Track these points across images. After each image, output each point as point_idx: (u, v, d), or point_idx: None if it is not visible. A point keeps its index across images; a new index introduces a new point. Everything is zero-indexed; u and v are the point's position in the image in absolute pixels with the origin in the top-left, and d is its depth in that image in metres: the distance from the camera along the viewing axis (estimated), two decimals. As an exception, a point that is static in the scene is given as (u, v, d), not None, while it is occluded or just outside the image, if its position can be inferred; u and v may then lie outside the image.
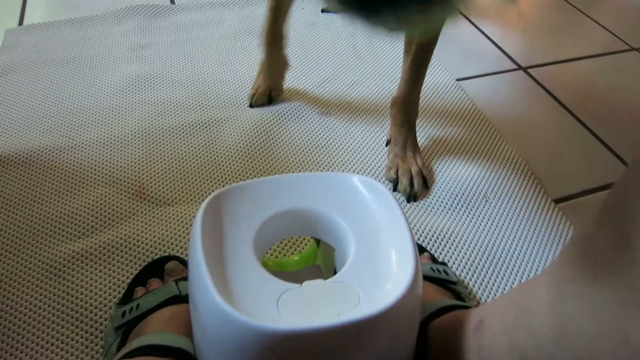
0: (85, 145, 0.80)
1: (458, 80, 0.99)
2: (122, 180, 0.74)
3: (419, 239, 0.68)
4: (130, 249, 0.64)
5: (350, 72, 0.99)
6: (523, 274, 0.65)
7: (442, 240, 0.68)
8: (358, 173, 0.74)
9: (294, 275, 0.53)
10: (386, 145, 0.81)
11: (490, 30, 1.17)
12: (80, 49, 1.01)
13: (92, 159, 0.77)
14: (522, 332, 0.34)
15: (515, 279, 0.64)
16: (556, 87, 1.00)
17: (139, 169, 0.76)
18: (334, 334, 0.33)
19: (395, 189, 0.74)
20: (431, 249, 0.66)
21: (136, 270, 0.61)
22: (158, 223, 0.68)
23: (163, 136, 0.82)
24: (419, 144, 0.79)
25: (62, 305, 0.58)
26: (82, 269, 0.62)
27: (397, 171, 0.75)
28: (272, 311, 0.34)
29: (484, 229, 0.70)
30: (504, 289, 0.63)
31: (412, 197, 0.73)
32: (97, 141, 0.80)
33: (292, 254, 0.66)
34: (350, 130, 0.85)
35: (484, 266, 0.65)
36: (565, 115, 0.94)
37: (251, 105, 0.88)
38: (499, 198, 0.74)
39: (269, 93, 0.88)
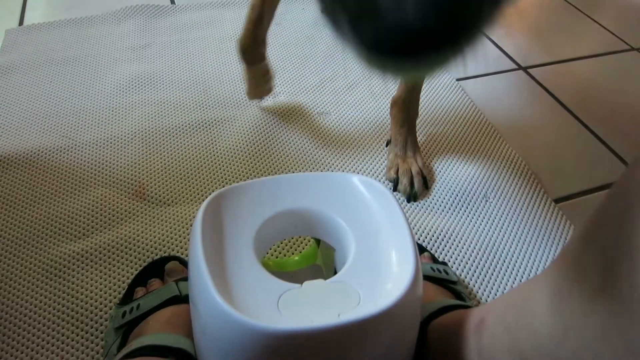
0: (85, 145, 0.80)
1: (458, 80, 0.99)
2: (122, 181, 0.74)
3: (419, 239, 0.68)
4: (130, 250, 0.64)
5: (350, 72, 0.99)
6: (523, 273, 0.65)
7: (442, 240, 0.68)
8: (358, 173, 0.74)
9: (294, 275, 0.53)
10: (386, 146, 0.81)
11: (490, 30, 1.17)
12: (80, 49, 1.01)
13: (92, 159, 0.77)
14: (523, 332, 0.34)
15: (515, 279, 0.64)
16: (556, 87, 1.00)
17: (139, 169, 0.76)
18: (334, 334, 0.33)
19: (395, 189, 0.74)
20: (431, 249, 0.66)
21: (136, 270, 0.61)
22: (158, 223, 0.68)
23: (163, 136, 0.82)
24: (419, 144, 0.79)
25: (62, 306, 0.58)
26: (82, 269, 0.62)
27: (397, 171, 0.75)
28: (273, 311, 0.34)
29: (484, 229, 0.70)
30: (504, 289, 0.63)
31: (412, 197, 0.73)
32: (97, 141, 0.80)
33: (292, 254, 0.66)
34: (350, 130, 0.85)
35: (484, 266, 0.65)
36: (566, 115, 0.94)
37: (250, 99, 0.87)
38: (499, 198, 0.74)
39: (260, 94, 0.85)
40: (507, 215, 0.72)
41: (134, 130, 0.82)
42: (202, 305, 0.36)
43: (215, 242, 0.38)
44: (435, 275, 0.56)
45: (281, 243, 0.67)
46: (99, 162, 0.77)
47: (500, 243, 0.68)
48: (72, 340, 0.55)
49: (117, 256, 0.63)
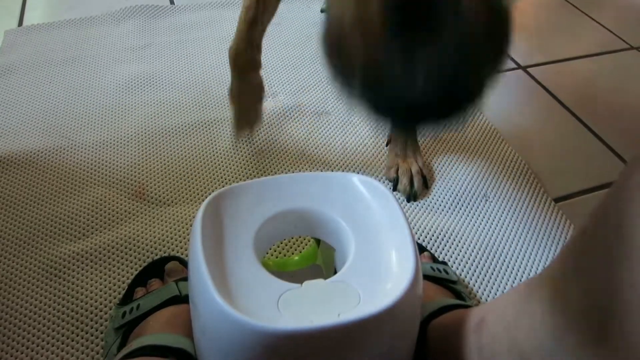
0: (85, 145, 0.80)
1: (458, 79, 0.99)
2: (122, 181, 0.74)
3: (419, 239, 0.68)
4: (130, 250, 0.64)
5: (349, 72, 0.99)
6: (523, 273, 0.65)
7: (442, 239, 0.68)
8: (358, 173, 0.74)
9: (294, 275, 0.53)
10: (386, 145, 0.81)
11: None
12: (79, 49, 1.01)
13: (91, 160, 0.77)
14: (523, 332, 0.34)
15: (515, 278, 0.64)
16: (556, 86, 1.00)
17: (138, 169, 0.76)
18: (334, 334, 0.33)
19: (395, 189, 0.74)
20: (431, 249, 0.66)
21: (136, 270, 0.61)
22: (158, 223, 0.68)
23: (163, 136, 0.82)
24: (419, 144, 0.79)
25: (62, 306, 0.58)
26: (82, 269, 0.62)
27: (397, 171, 0.75)
28: (272, 311, 0.34)
29: (484, 228, 0.70)
30: (504, 288, 0.63)
31: (412, 197, 0.73)
32: (96, 142, 0.80)
33: (292, 254, 0.66)
34: (350, 130, 0.85)
35: (484, 265, 0.65)
36: (565, 114, 0.94)
37: (237, 139, 0.77)
38: (499, 197, 0.74)
39: (247, 125, 0.77)
40: (507, 214, 0.72)
41: (133, 131, 0.82)
42: (202, 305, 0.36)
43: (215, 242, 0.38)
44: (435, 274, 0.56)
45: (281, 243, 0.67)
46: (99, 162, 0.77)
47: (500, 242, 0.68)
48: (72, 341, 0.55)
49: (117, 256, 0.63)
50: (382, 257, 0.38)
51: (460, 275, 0.64)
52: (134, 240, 0.65)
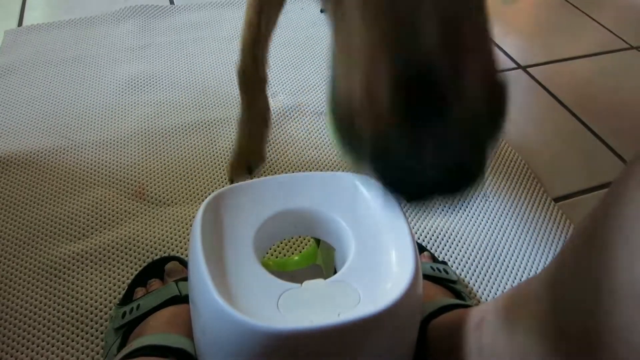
0: (85, 146, 0.80)
1: (457, 79, 0.99)
2: (122, 181, 0.74)
3: (419, 238, 0.68)
4: (130, 250, 0.64)
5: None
6: (523, 272, 0.65)
7: (442, 239, 0.68)
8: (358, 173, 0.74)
9: (294, 275, 0.53)
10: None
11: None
12: (79, 49, 1.01)
13: (91, 160, 0.77)
14: (523, 331, 0.34)
15: (515, 278, 0.64)
16: (555, 86, 1.00)
17: (138, 169, 0.76)
18: (334, 334, 0.33)
19: (395, 189, 0.74)
20: (431, 248, 0.66)
21: (136, 270, 0.61)
22: (158, 223, 0.68)
23: (163, 136, 0.82)
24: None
25: (62, 306, 0.58)
26: (82, 269, 0.62)
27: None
28: (272, 311, 0.34)
29: (483, 228, 0.70)
30: (504, 288, 0.63)
31: (412, 197, 0.73)
32: (96, 142, 0.80)
33: (292, 254, 0.66)
34: (350, 130, 0.85)
35: (484, 265, 0.65)
36: (565, 114, 0.94)
37: (231, 182, 0.70)
38: (499, 197, 0.74)
39: (247, 163, 0.70)
40: (507, 214, 0.72)
41: (133, 131, 0.82)
42: (202, 305, 0.36)
43: (215, 242, 0.38)
44: (435, 274, 0.56)
45: (281, 243, 0.67)
46: (99, 163, 0.77)
47: (500, 242, 0.68)
48: (72, 341, 0.55)
49: (117, 256, 0.63)
50: (382, 257, 0.38)
51: (460, 275, 0.64)
52: (134, 240, 0.65)
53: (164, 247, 0.65)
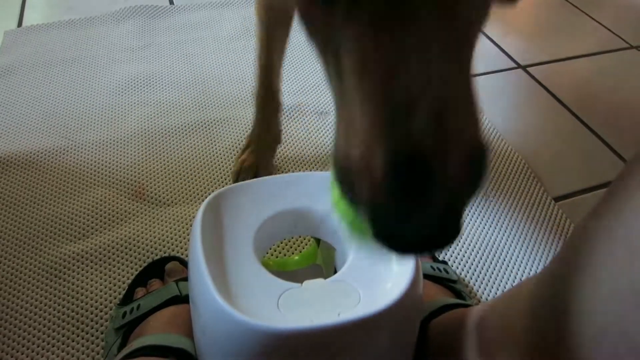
0: (85, 146, 0.80)
1: (457, 79, 0.99)
2: (122, 181, 0.74)
3: (419, 238, 0.68)
4: (130, 250, 0.64)
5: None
6: (524, 272, 0.65)
7: (442, 239, 0.68)
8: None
9: (294, 274, 0.53)
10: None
11: (489, 28, 1.17)
12: (79, 50, 1.01)
13: (91, 160, 0.77)
14: (523, 330, 0.34)
15: (515, 277, 0.64)
16: (555, 85, 1.00)
17: (138, 169, 0.76)
18: (334, 333, 0.33)
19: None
20: (431, 248, 0.66)
21: (136, 271, 0.61)
22: (158, 224, 0.68)
23: (163, 137, 0.82)
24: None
25: (62, 307, 0.58)
26: (83, 270, 0.62)
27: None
28: (273, 311, 0.34)
29: (484, 228, 0.70)
30: (505, 287, 0.63)
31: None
32: (96, 142, 0.80)
33: (293, 253, 0.66)
34: (350, 129, 0.85)
35: (484, 265, 0.65)
36: (565, 113, 0.94)
37: (236, 182, 0.71)
38: (499, 196, 0.74)
39: (255, 169, 0.74)
40: (507, 213, 0.72)
41: (133, 131, 0.82)
42: (202, 305, 0.36)
43: (215, 242, 0.38)
44: (435, 274, 0.56)
45: (281, 243, 0.67)
46: (99, 163, 0.77)
47: (501, 241, 0.68)
48: (73, 341, 0.55)
49: (117, 257, 0.63)
50: (382, 256, 0.38)
51: (460, 274, 0.64)
52: (134, 240, 0.65)
53: (164, 247, 0.65)
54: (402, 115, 0.18)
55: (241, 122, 0.85)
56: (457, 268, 0.64)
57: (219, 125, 0.84)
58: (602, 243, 0.28)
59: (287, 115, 0.87)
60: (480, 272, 0.64)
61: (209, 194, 0.43)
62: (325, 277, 0.37)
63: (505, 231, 0.69)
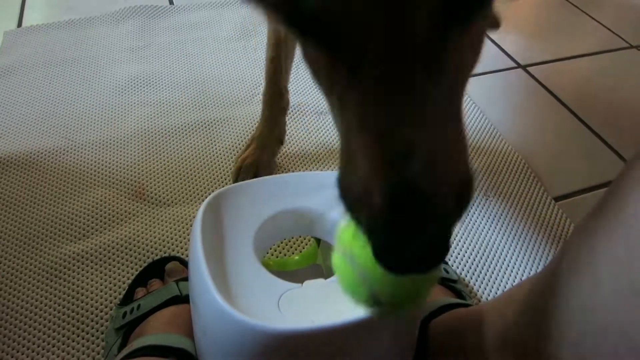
0: (85, 146, 0.80)
1: (457, 79, 0.99)
2: (122, 181, 0.74)
3: (419, 238, 0.68)
4: (130, 250, 0.64)
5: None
6: (524, 271, 0.65)
7: (443, 239, 0.68)
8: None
9: (294, 274, 0.53)
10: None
11: (488, 28, 1.17)
12: (79, 50, 1.01)
13: (91, 160, 0.77)
14: (523, 330, 0.34)
15: (515, 277, 0.64)
16: (555, 85, 1.00)
17: (138, 169, 0.76)
18: (334, 334, 0.33)
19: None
20: (431, 248, 0.66)
21: (137, 271, 0.61)
22: (158, 224, 0.68)
23: (163, 137, 0.82)
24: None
25: (62, 307, 0.58)
26: (83, 270, 0.62)
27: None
28: (273, 311, 0.34)
29: (484, 227, 0.70)
30: (505, 287, 0.63)
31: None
32: (96, 142, 0.80)
33: (293, 253, 0.66)
34: (350, 129, 0.85)
35: (484, 264, 0.65)
36: (565, 113, 0.94)
37: (236, 181, 0.73)
38: (499, 196, 0.74)
39: (256, 168, 0.73)
40: (507, 213, 0.72)
41: (133, 131, 0.82)
42: (202, 305, 0.36)
43: (215, 242, 0.38)
44: (436, 274, 0.56)
45: (281, 243, 0.67)
46: (99, 163, 0.77)
47: (501, 241, 0.68)
48: (73, 341, 0.55)
49: (117, 257, 0.63)
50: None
51: (461, 274, 0.64)
52: (134, 240, 0.65)
53: (164, 247, 0.65)
54: (399, 162, 0.21)
55: (241, 122, 0.85)
56: (457, 268, 0.64)
57: (218, 125, 0.84)
58: (602, 243, 0.28)
59: (288, 115, 0.87)
60: (480, 272, 0.64)
61: (209, 194, 0.43)
62: (326, 277, 0.37)
63: (505, 231, 0.69)
